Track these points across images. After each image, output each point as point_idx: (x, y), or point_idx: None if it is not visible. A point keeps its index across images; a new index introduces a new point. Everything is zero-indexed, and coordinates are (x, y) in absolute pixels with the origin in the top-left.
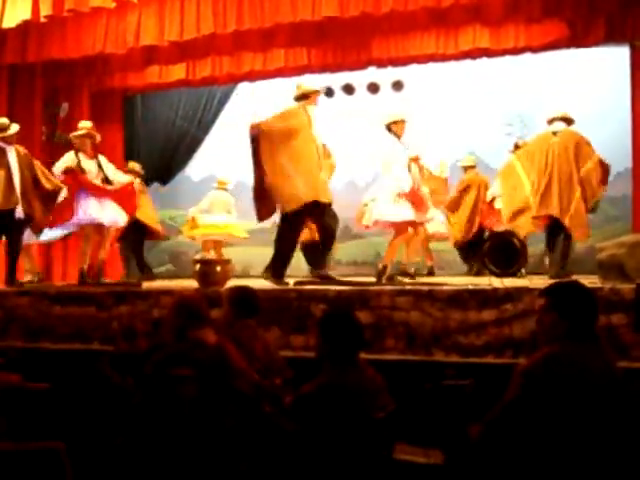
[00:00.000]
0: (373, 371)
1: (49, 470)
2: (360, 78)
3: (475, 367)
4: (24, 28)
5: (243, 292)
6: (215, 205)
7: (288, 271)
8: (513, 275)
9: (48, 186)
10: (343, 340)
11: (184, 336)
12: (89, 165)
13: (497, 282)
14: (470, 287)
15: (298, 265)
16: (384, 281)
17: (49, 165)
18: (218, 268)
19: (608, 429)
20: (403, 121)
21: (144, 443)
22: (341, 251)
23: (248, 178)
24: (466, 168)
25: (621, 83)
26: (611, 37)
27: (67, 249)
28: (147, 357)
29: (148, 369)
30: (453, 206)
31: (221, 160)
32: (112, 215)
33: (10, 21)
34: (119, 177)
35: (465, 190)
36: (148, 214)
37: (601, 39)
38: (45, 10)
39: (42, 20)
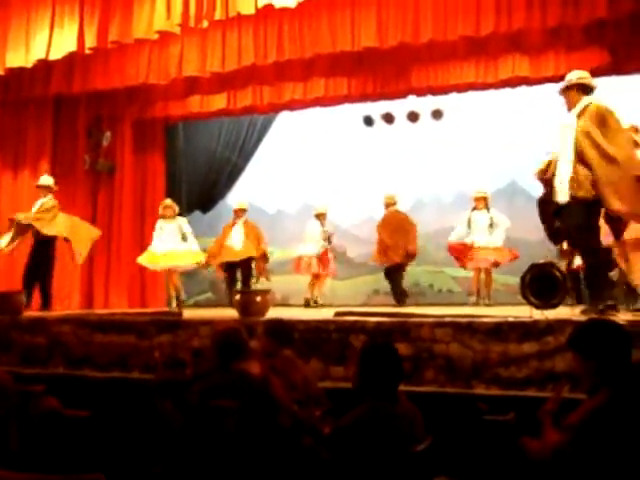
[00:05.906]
0: (410, 403)
1: None
2: (399, 107)
3: (516, 400)
4: (69, 59)
5: (278, 324)
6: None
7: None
8: (554, 307)
9: None
10: (384, 372)
11: (227, 367)
12: None
13: (538, 314)
14: (510, 319)
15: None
16: None
17: None
18: (258, 298)
19: None
20: None
21: (182, 473)
22: (379, 281)
23: (288, 206)
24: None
25: None
26: None
27: (109, 277)
28: (190, 386)
29: (192, 399)
30: None
31: (262, 188)
32: None
33: (56, 53)
34: None
35: None
36: None
37: None
38: (90, 42)
39: (87, 52)
